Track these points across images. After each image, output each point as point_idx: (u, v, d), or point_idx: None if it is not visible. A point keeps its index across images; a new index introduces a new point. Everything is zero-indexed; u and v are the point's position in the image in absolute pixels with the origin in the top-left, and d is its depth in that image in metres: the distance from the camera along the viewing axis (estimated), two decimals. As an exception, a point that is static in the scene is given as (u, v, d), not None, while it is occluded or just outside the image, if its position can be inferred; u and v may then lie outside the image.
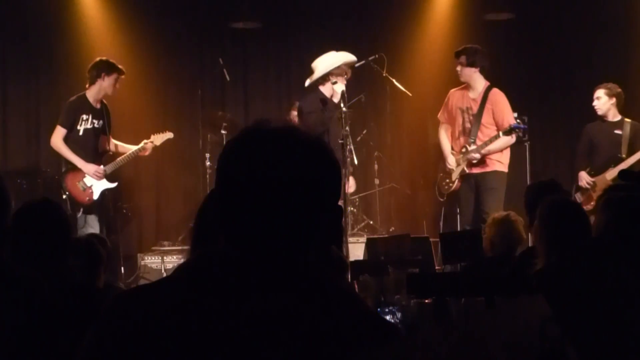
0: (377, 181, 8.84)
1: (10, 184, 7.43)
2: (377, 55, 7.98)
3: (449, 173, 7.37)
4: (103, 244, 4.53)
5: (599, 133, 7.36)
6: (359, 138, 8.65)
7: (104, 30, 8.93)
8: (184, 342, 1.28)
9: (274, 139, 1.36)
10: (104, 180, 7.17)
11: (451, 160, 7.31)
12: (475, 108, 7.22)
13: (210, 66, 8.91)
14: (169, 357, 1.28)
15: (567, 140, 9.31)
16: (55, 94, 8.73)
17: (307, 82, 7.15)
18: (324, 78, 6.97)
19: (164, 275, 7.41)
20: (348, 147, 7.11)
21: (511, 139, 7.18)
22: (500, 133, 7.08)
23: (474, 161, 7.15)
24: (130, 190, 8.83)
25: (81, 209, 7.08)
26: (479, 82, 7.25)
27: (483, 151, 7.11)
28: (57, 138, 7.05)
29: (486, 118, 7.18)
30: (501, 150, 7.17)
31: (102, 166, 7.17)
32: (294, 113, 7.63)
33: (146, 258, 8.06)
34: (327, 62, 7.01)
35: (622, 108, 7.50)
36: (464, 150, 7.25)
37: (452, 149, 7.40)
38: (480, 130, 7.18)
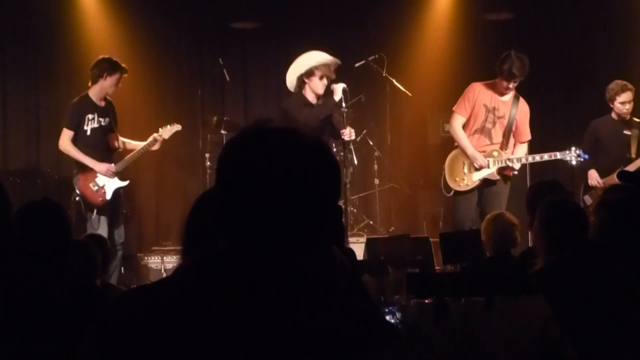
0: (377, 181, 8.84)
1: (10, 184, 7.47)
2: (377, 55, 7.99)
3: (469, 171, 6.97)
4: (103, 244, 4.54)
5: (607, 132, 7.14)
6: (359, 138, 8.65)
7: (103, 31, 8.95)
8: (183, 343, 1.28)
9: (273, 139, 1.36)
10: (116, 179, 7.04)
11: (484, 161, 6.89)
12: (502, 111, 6.96)
13: (210, 66, 8.90)
14: (168, 358, 1.28)
15: (568, 139, 9.29)
16: (56, 94, 8.74)
17: (289, 85, 7.10)
18: (300, 80, 6.95)
19: (164, 275, 7.42)
20: (349, 146, 7.11)
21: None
22: (558, 154, 6.91)
23: (515, 172, 6.97)
24: (130, 190, 8.82)
25: (95, 210, 6.95)
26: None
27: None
28: (65, 141, 6.94)
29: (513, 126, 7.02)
30: None
31: (113, 164, 7.07)
32: None
33: (146, 258, 8.07)
34: (298, 63, 7.01)
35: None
36: (495, 154, 6.94)
37: None
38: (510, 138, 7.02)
